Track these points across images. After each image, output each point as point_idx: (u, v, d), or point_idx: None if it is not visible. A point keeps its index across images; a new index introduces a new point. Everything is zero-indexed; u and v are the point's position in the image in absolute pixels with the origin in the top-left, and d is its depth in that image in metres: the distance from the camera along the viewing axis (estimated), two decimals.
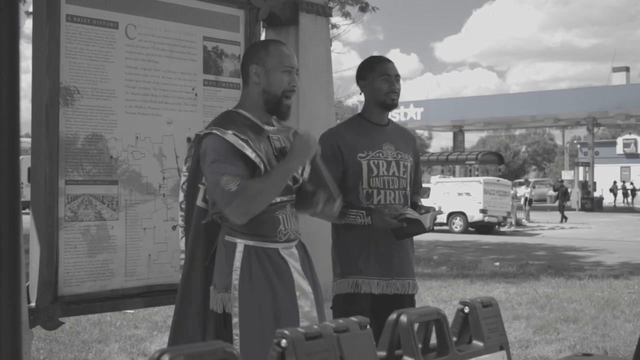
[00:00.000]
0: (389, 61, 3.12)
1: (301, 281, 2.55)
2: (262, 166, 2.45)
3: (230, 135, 2.44)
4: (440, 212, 3.12)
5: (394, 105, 3.11)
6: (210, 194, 2.49)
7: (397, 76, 3.10)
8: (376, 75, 3.08)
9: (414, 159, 3.20)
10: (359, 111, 3.28)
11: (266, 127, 2.58)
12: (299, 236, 2.63)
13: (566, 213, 25.95)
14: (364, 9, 13.45)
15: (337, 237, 3.08)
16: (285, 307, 2.47)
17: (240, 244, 2.47)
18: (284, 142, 2.60)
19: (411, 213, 2.93)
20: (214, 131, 2.46)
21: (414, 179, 3.21)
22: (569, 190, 27.26)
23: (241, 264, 2.45)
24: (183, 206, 2.63)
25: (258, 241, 2.48)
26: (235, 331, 2.44)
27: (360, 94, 3.21)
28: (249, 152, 2.44)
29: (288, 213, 2.57)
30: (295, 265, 2.55)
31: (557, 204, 26.93)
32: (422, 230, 2.93)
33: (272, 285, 2.47)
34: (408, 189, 3.13)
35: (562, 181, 30.12)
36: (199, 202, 2.59)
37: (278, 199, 2.51)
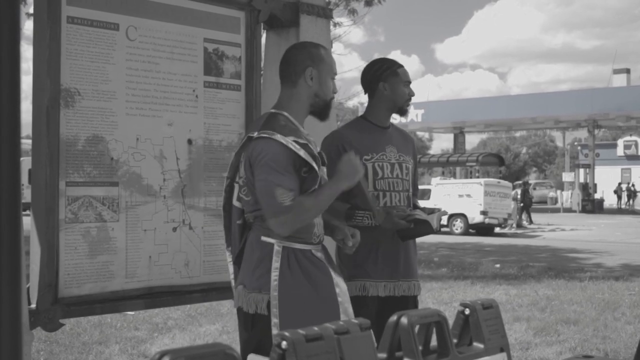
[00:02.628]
0: (404, 67, 3.20)
1: (337, 278, 2.59)
2: (316, 167, 2.51)
3: (291, 142, 2.46)
4: (445, 213, 3.14)
5: (408, 110, 3.21)
6: (258, 196, 2.49)
7: (409, 82, 3.20)
8: (400, 80, 3.13)
9: (413, 161, 3.22)
10: (360, 113, 3.29)
11: (302, 130, 2.62)
12: (324, 238, 2.67)
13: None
14: (369, 2, 13.29)
15: None
16: (325, 305, 2.50)
17: (279, 244, 2.49)
18: (316, 146, 2.67)
19: (419, 214, 2.95)
20: (277, 138, 2.46)
21: (413, 181, 3.22)
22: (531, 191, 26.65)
23: (280, 265, 2.47)
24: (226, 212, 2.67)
25: (295, 242, 2.51)
26: (275, 332, 2.44)
27: (365, 94, 3.21)
28: (306, 157, 2.47)
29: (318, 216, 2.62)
30: (329, 263, 2.61)
31: (522, 205, 26.16)
32: (430, 231, 2.95)
33: (313, 284, 2.49)
34: (410, 190, 3.15)
35: (526, 182, 29.68)
36: (235, 201, 2.62)
37: None
